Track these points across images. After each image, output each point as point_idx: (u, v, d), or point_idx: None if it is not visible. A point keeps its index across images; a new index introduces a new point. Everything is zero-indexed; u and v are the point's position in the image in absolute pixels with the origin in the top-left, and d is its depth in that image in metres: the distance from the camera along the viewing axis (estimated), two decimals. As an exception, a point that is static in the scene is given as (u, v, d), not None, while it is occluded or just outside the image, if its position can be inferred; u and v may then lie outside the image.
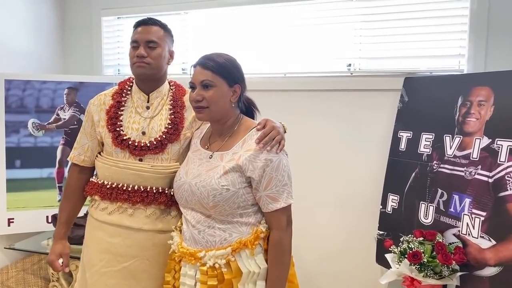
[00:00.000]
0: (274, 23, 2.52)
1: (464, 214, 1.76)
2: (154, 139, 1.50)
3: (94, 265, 1.52)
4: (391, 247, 1.85)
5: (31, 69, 2.77)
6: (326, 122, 2.43)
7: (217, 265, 1.29)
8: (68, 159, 1.65)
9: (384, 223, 2.17)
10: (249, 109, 1.48)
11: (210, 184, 1.29)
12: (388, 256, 1.88)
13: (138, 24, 1.53)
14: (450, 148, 1.90)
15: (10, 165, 2.54)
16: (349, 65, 2.40)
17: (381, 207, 2.19)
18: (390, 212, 2.14)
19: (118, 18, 2.94)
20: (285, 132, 1.41)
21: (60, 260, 1.61)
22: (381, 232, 2.16)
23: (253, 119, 1.48)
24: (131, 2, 2.82)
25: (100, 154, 1.58)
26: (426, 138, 2.03)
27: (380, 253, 2.10)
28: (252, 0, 2.53)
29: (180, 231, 1.43)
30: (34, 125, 2.62)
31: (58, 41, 3.00)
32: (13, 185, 2.54)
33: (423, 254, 1.68)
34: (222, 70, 1.32)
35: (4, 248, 2.53)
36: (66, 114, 2.70)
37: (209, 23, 2.69)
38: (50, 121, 2.65)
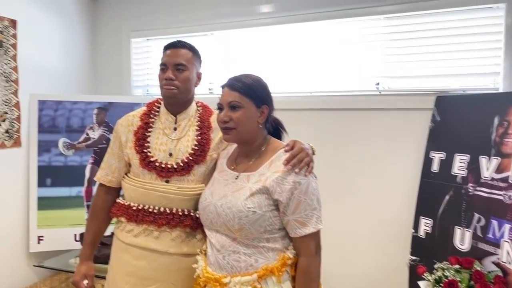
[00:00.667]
0: (300, 41, 2.52)
1: (504, 240, 1.66)
2: (181, 160, 1.49)
3: (118, 287, 1.51)
4: (425, 274, 1.76)
5: (63, 90, 2.86)
6: (354, 142, 2.38)
7: None
8: (94, 178, 1.66)
9: (417, 248, 2.08)
10: (276, 130, 1.45)
11: (236, 205, 1.26)
12: (421, 284, 1.79)
13: (167, 47, 1.54)
14: (487, 170, 1.82)
15: (41, 183, 2.60)
16: (378, 83, 2.35)
17: (413, 231, 2.11)
18: (423, 237, 2.05)
19: (147, 39, 3.00)
20: (313, 154, 1.37)
21: (85, 281, 1.60)
22: (413, 258, 2.07)
23: (280, 140, 1.45)
24: (159, 24, 2.88)
25: (127, 175, 1.57)
26: (460, 159, 1.95)
27: (413, 280, 2.01)
28: (278, 20, 2.54)
29: (205, 254, 1.39)
30: (64, 144, 2.68)
31: (89, 63, 3.10)
32: (44, 203, 2.60)
33: (460, 283, 1.59)
34: (250, 91, 1.31)
35: (34, 265, 2.58)
36: (95, 134, 2.75)
37: (235, 44, 2.72)
38: (80, 140, 2.71)
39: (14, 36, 2.52)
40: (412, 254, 2.08)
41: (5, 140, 2.49)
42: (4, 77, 2.47)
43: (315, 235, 1.27)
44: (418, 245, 2.07)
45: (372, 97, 2.36)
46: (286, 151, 1.30)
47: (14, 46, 2.52)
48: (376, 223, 2.33)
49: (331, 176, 2.40)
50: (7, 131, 2.49)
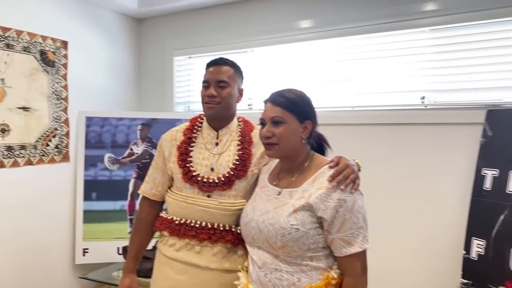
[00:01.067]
0: (341, 56, 2.49)
1: None
2: (222, 175, 1.49)
3: None
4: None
5: (109, 107, 2.97)
6: (399, 158, 2.30)
7: None
8: (138, 191, 1.69)
9: (469, 271, 1.95)
10: (320, 146, 1.42)
11: (279, 222, 1.23)
12: (475, 309, 1.67)
13: (209, 64, 1.56)
14: (546, 188, 1.69)
15: (87, 197, 2.69)
16: (423, 97, 2.27)
17: (464, 252, 1.99)
18: (476, 259, 1.93)
19: (189, 57, 3.08)
20: (359, 170, 1.32)
21: None
22: (465, 281, 1.95)
23: (324, 155, 1.42)
24: (201, 42, 2.95)
25: (170, 189, 1.59)
26: (515, 176, 1.83)
27: (465, 305, 1.88)
28: (318, 35, 2.53)
29: (247, 271, 1.37)
30: (109, 159, 2.76)
31: (134, 81, 3.21)
32: (89, 216, 2.68)
33: (519, 310, 1.47)
34: (293, 106, 1.29)
35: (79, 277, 2.65)
36: (139, 149, 2.82)
37: (275, 59, 2.72)
38: (124, 155, 2.79)
39: (65, 56, 2.66)
40: (463, 277, 1.96)
41: (55, 155, 2.60)
42: (55, 95, 2.60)
43: (361, 255, 1.22)
44: (470, 268, 1.95)
45: (417, 111, 2.27)
46: (330, 167, 1.26)
47: (65, 65, 2.65)
48: (425, 244, 2.22)
49: (376, 194, 2.31)
50: (56, 147, 2.61)
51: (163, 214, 1.59)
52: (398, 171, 2.30)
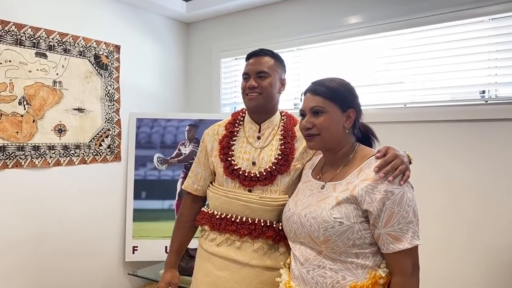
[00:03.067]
0: (391, 51, 2.37)
1: None
2: (264, 169, 1.45)
3: None
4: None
5: (158, 109, 3.05)
6: (457, 156, 2.13)
7: None
8: (182, 187, 1.70)
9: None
10: (366, 137, 1.35)
11: (321, 215, 1.17)
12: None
13: (249, 56, 1.54)
14: None
15: (137, 196, 2.77)
16: (483, 92, 2.10)
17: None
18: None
19: (235, 59, 3.09)
20: (410, 162, 1.23)
21: None
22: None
23: (371, 147, 1.34)
24: (246, 43, 2.95)
25: (212, 184, 1.58)
26: None
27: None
28: (367, 30, 2.43)
29: (289, 268, 1.32)
30: (158, 159, 2.83)
31: (182, 83, 3.27)
32: (138, 215, 2.75)
33: None
34: (334, 94, 1.23)
35: (128, 274, 2.72)
36: (186, 150, 2.86)
37: (322, 58, 2.66)
38: (172, 155, 2.84)
39: (118, 59, 2.76)
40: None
41: (107, 155, 2.70)
42: (108, 97, 2.70)
43: (411, 252, 1.12)
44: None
45: (476, 106, 2.10)
46: (377, 157, 1.18)
47: (117, 69, 2.76)
48: (482, 251, 2.04)
49: (431, 196, 2.18)
50: (109, 147, 2.71)
51: (204, 209, 1.59)
52: (456, 170, 2.13)
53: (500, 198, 2.02)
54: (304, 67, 2.74)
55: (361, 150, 1.27)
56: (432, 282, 2.16)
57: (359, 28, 2.45)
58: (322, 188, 1.26)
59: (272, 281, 1.37)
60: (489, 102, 2.08)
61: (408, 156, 1.23)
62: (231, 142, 1.54)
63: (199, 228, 1.61)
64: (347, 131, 1.25)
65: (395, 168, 1.14)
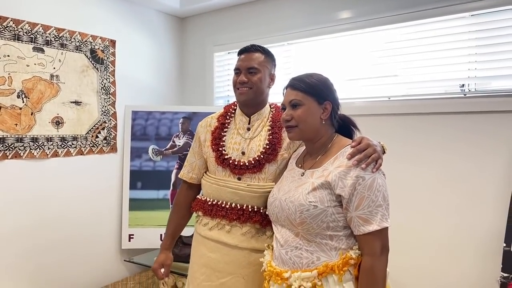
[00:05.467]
0: (377, 46, 2.47)
1: None
2: (253, 158, 1.55)
3: (196, 278, 1.61)
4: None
5: (153, 101, 3.13)
6: (438, 149, 2.24)
7: None
8: (179, 176, 1.80)
9: (509, 264, 1.88)
10: (347, 128, 1.44)
11: (298, 199, 1.28)
12: (513, 301, 1.62)
13: (241, 52, 1.63)
14: None
15: (133, 186, 2.86)
16: (462, 85, 2.20)
17: (504, 245, 1.92)
18: (517, 251, 1.86)
19: (228, 53, 3.17)
20: (384, 152, 1.33)
21: (162, 270, 1.74)
22: (505, 275, 1.88)
23: (351, 137, 1.43)
24: (239, 37, 3.03)
25: (206, 173, 1.69)
26: (561, 164, 1.74)
27: (505, 298, 1.82)
28: (355, 25, 2.51)
29: (272, 249, 1.42)
30: (153, 150, 2.92)
31: (176, 76, 3.35)
32: (134, 204, 2.84)
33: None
34: (311, 88, 1.33)
35: (124, 260, 2.82)
36: (180, 141, 2.95)
37: (312, 52, 2.75)
38: (167, 147, 2.93)
39: (113, 54, 2.84)
40: (503, 270, 1.89)
41: (104, 146, 2.79)
42: (104, 90, 2.78)
43: (380, 234, 1.22)
44: (510, 261, 1.88)
45: (456, 100, 2.21)
46: (352, 146, 1.28)
47: (113, 63, 2.84)
48: (463, 236, 2.16)
49: (414, 185, 2.29)
50: (105, 138, 2.79)
51: (199, 196, 1.70)
52: (436, 162, 2.24)
53: (480, 187, 2.12)
54: (295, 61, 2.82)
55: (339, 140, 1.37)
56: (414, 270, 2.28)
57: (348, 23, 2.54)
58: (302, 175, 1.36)
59: (259, 262, 1.48)
60: (467, 95, 2.19)
61: (382, 146, 1.32)
62: (222, 133, 1.63)
63: (195, 215, 1.71)
64: (323, 122, 1.35)
65: (368, 156, 1.24)
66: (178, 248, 2.53)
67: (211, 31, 3.22)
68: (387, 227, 1.22)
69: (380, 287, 1.21)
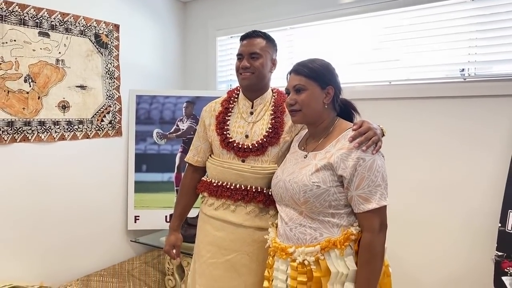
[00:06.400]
0: (378, 30, 2.49)
1: None
2: (256, 141, 1.61)
3: (202, 256, 1.69)
4: (508, 268, 1.66)
5: (157, 86, 3.17)
6: (437, 132, 2.29)
7: (306, 262, 1.32)
8: (185, 159, 1.87)
9: (504, 243, 1.95)
10: (347, 112, 1.49)
11: (302, 180, 1.34)
12: (505, 279, 1.70)
13: (243, 37, 1.67)
14: None
15: (138, 169, 2.92)
16: (462, 70, 2.24)
17: (499, 225, 1.98)
18: (511, 231, 1.92)
19: (230, 37, 3.19)
20: (383, 135, 1.38)
21: (174, 250, 1.81)
22: (499, 253, 1.95)
23: (352, 121, 1.48)
24: (241, 22, 3.05)
25: (211, 156, 1.75)
26: (556, 147, 1.79)
27: (498, 276, 1.89)
28: (357, 10, 2.53)
29: (276, 227, 1.49)
30: (158, 134, 2.97)
31: (179, 61, 3.38)
32: (139, 187, 2.91)
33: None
34: (314, 74, 1.37)
35: (131, 241, 2.91)
36: (184, 125, 3.00)
37: (314, 36, 2.77)
38: (171, 131, 2.98)
39: (117, 38, 2.87)
40: (498, 249, 1.96)
41: (109, 130, 2.84)
42: (109, 74, 2.82)
43: (379, 212, 1.28)
44: (505, 240, 1.94)
45: (456, 84, 2.25)
46: (353, 130, 1.34)
47: (117, 47, 2.87)
48: (460, 217, 2.22)
49: (413, 167, 2.35)
50: (110, 122, 2.84)
51: (204, 178, 1.76)
52: (435, 144, 2.29)
53: (477, 169, 2.18)
54: (297, 45, 2.85)
55: (340, 123, 1.42)
56: (411, 247, 2.35)
57: (349, 8, 2.56)
58: (305, 158, 1.42)
59: (263, 239, 1.55)
60: (467, 79, 2.23)
61: (382, 129, 1.38)
62: (226, 118, 1.69)
63: (200, 196, 1.78)
64: (326, 106, 1.40)
65: (368, 138, 1.30)
66: (183, 229, 2.58)
67: (213, 16, 3.23)
68: (385, 206, 1.29)
69: (378, 261, 1.29)
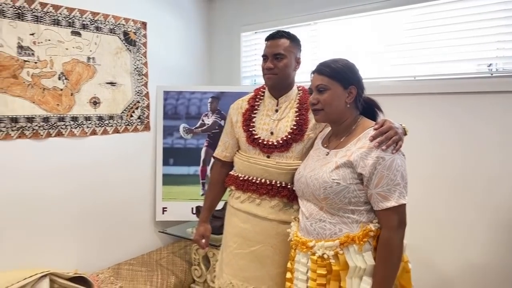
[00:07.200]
0: (403, 26, 2.48)
1: None
2: (281, 138, 1.67)
3: (229, 246, 1.78)
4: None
5: (183, 82, 3.25)
6: (464, 128, 2.27)
7: (326, 256, 1.37)
8: (213, 155, 1.95)
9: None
10: (370, 110, 1.51)
11: (322, 177, 1.38)
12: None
13: (267, 39, 1.73)
14: None
15: (165, 162, 3.02)
16: (490, 65, 2.21)
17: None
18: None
19: (255, 33, 3.23)
20: (405, 134, 1.40)
21: (203, 240, 1.92)
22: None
23: (375, 119, 1.50)
24: (266, 17, 3.08)
25: (238, 151, 1.83)
26: None
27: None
28: (381, 4, 2.53)
29: (298, 221, 1.54)
30: (184, 129, 3.05)
31: (205, 57, 3.45)
32: (167, 179, 3.01)
33: None
34: (336, 74, 1.40)
35: (159, 231, 3.02)
36: (209, 120, 3.07)
37: (337, 31, 2.78)
38: (196, 126, 3.06)
39: (145, 36, 2.95)
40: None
41: (138, 125, 2.94)
42: (137, 71, 2.91)
43: (398, 210, 1.30)
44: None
45: (483, 79, 2.22)
46: (375, 129, 1.36)
47: (144, 44, 2.95)
48: (492, 214, 2.20)
49: (439, 164, 2.34)
50: (139, 117, 2.94)
51: (231, 172, 1.84)
52: (463, 141, 2.28)
53: (506, 164, 2.16)
54: (321, 41, 2.86)
55: (363, 122, 1.45)
56: (440, 242, 2.36)
57: (374, 2, 2.55)
58: (326, 155, 1.46)
59: (286, 232, 1.61)
60: (494, 75, 2.20)
61: (404, 128, 1.39)
62: (252, 115, 1.76)
63: (228, 189, 1.87)
64: (348, 106, 1.43)
65: (389, 138, 1.32)
66: (212, 214, 2.68)
67: (238, 11, 3.28)
68: (404, 204, 1.31)
69: (396, 258, 1.32)
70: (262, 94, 1.80)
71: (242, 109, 1.80)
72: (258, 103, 1.79)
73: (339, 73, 1.41)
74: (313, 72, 1.47)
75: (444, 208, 2.33)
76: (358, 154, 1.34)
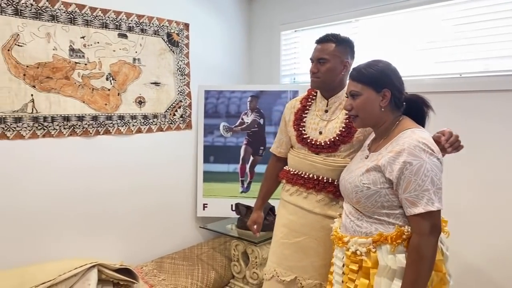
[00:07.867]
0: (448, 22, 2.41)
1: None
2: (328, 139, 1.70)
3: (276, 235, 1.87)
4: None
5: (224, 81, 3.31)
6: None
7: (358, 252, 1.38)
8: (270, 150, 2.04)
9: None
10: (417, 108, 1.45)
11: (354, 181, 1.41)
12: None
13: (316, 42, 1.77)
14: None
15: (206, 159, 3.09)
16: (542, 60, 2.11)
17: None
18: None
19: (294, 31, 3.23)
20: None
21: (255, 226, 2.04)
22: None
23: (424, 117, 1.46)
24: (306, 16, 3.08)
25: (292, 148, 1.90)
26: None
27: None
28: (423, 0, 2.46)
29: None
30: (224, 127, 3.11)
31: (245, 57, 3.50)
32: (207, 176, 3.08)
33: None
34: (366, 79, 1.40)
35: (199, 227, 3.10)
36: (248, 119, 3.11)
37: (380, 28, 2.73)
38: (236, 124, 3.11)
39: (187, 37, 3.03)
40: None
41: (180, 123, 3.03)
42: (180, 71, 3.00)
43: (430, 216, 1.27)
44: None
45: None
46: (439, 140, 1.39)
47: (187, 45, 3.03)
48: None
49: (485, 162, 2.26)
50: (181, 116, 3.03)
51: (285, 167, 1.91)
52: (506, 139, 2.19)
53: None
54: (363, 38, 2.82)
55: (402, 123, 1.41)
56: (468, 240, 2.28)
57: (417, -1, 2.50)
58: (366, 158, 1.47)
59: (331, 227, 1.63)
60: (547, 70, 2.09)
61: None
62: (303, 115, 1.83)
63: (281, 184, 1.95)
64: (383, 109, 1.41)
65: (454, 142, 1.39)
66: (248, 217, 2.72)
67: (278, 10, 3.29)
68: (435, 210, 1.26)
69: (426, 264, 1.27)
70: (315, 94, 1.86)
71: (295, 109, 1.88)
72: (310, 103, 1.85)
73: (370, 78, 1.40)
74: (349, 78, 1.48)
75: (497, 210, 2.25)
76: (386, 158, 1.34)
